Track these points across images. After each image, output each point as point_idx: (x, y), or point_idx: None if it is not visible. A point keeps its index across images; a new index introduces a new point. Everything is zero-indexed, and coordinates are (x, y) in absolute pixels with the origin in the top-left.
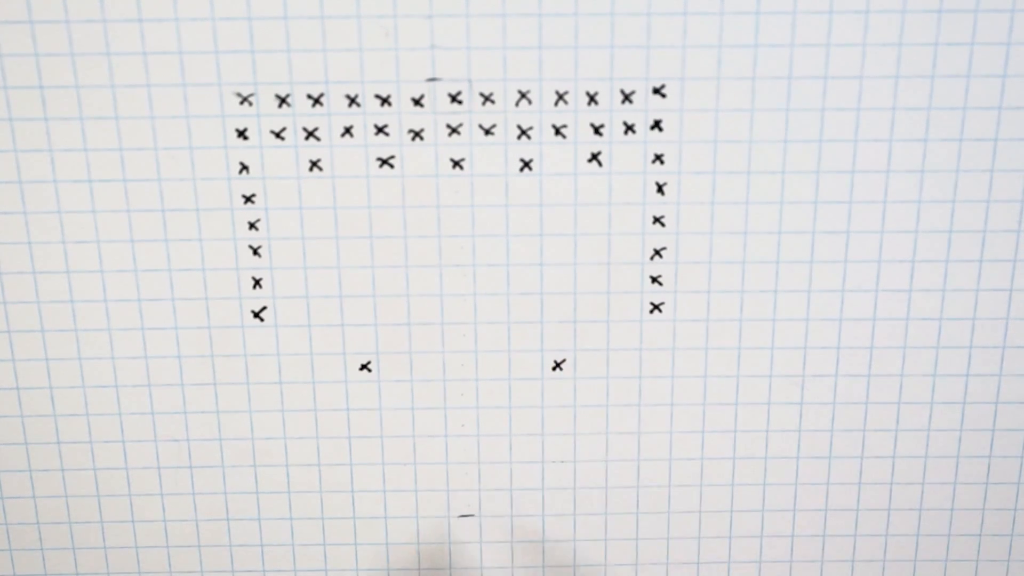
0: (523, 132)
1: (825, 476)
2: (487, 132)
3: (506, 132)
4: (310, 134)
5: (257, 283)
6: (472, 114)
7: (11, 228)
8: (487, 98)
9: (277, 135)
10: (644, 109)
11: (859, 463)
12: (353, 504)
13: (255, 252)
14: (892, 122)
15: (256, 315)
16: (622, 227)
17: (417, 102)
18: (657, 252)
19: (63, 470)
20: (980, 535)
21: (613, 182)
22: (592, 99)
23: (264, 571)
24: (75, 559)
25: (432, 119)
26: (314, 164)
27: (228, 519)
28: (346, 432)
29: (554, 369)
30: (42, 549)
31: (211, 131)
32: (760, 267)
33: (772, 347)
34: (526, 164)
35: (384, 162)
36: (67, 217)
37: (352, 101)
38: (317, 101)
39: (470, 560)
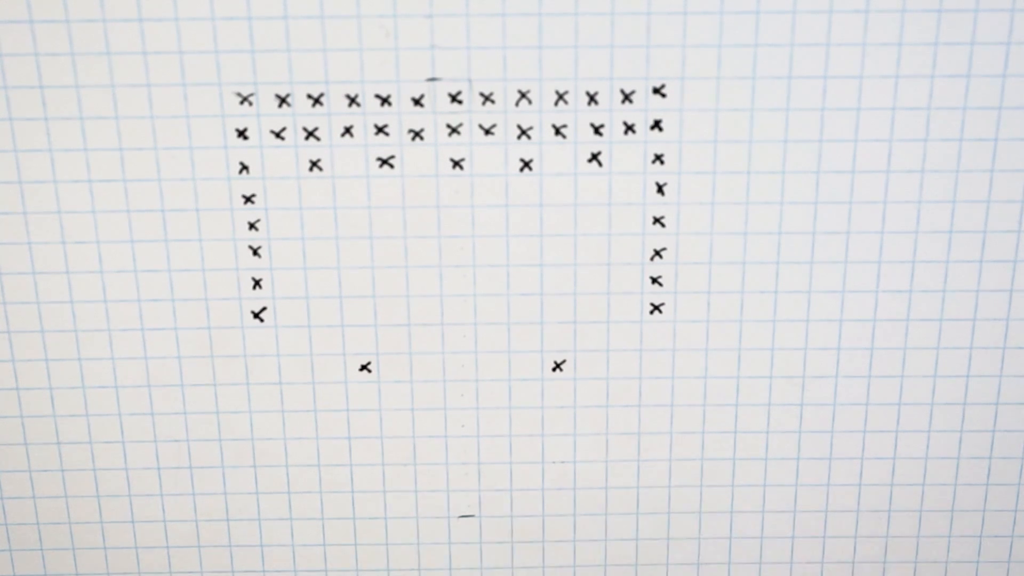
0: (523, 132)
1: (825, 477)
2: (487, 132)
3: (506, 132)
4: (310, 134)
5: (257, 284)
6: (472, 114)
7: (11, 228)
8: (487, 98)
9: (277, 135)
10: (644, 109)
11: (859, 464)
12: (353, 505)
13: (255, 252)
14: (892, 122)
15: (256, 316)
16: (622, 227)
17: (417, 102)
18: (657, 253)
19: (63, 470)
20: (981, 536)
21: (613, 182)
22: (592, 99)
23: (264, 571)
24: (75, 559)
25: (432, 119)
26: (314, 164)
27: (228, 519)
28: (346, 433)
29: (554, 370)
30: (42, 549)
31: (211, 131)
32: (760, 268)
33: (772, 348)
34: (526, 164)
35: (384, 162)
36: (67, 217)
37: (352, 101)
38: (317, 101)
39: (470, 560)
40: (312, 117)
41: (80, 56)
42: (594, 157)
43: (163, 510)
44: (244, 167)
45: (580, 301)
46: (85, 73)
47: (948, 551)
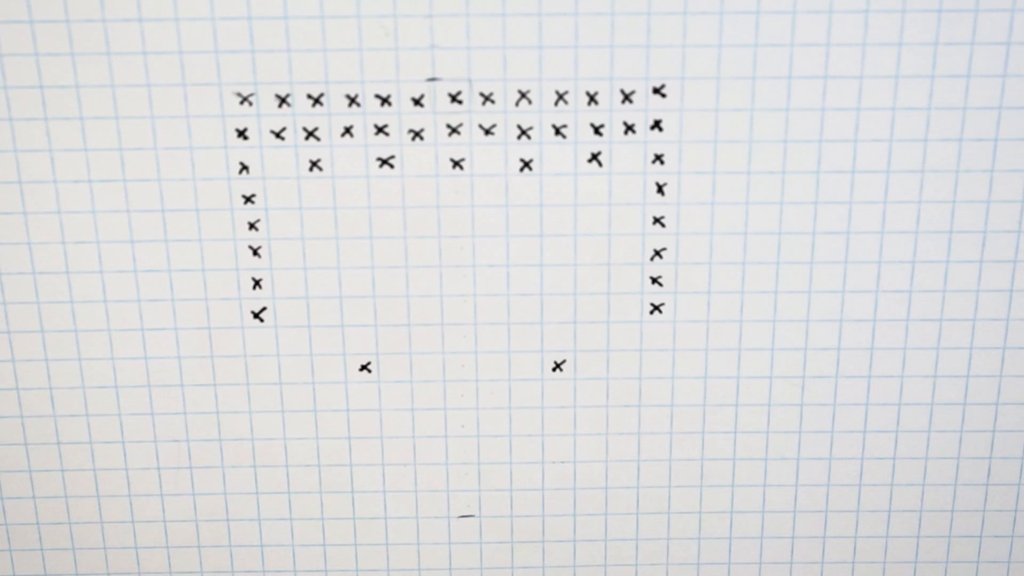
0: (523, 132)
1: (825, 477)
2: (487, 132)
3: (506, 132)
4: (310, 134)
5: (257, 284)
6: (472, 114)
7: (11, 228)
8: (487, 98)
9: (277, 135)
10: (644, 109)
11: (859, 464)
12: (353, 505)
13: (255, 253)
14: (892, 122)
15: (256, 316)
16: (622, 227)
17: (417, 102)
18: (657, 253)
19: (63, 470)
20: (981, 536)
21: (613, 182)
22: (592, 99)
23: (264, 571)
24: (75, 559)
25: (432, 119)
26: (314, 164)
27: (228, 520)
28: (346, 433)
29: (554, 370)
30: (42, 549)
31: (211, 131)
32: (760, 268)
33: (772, 348)
34: (526, 164)
35: (384, 162)
36: (67, 217)
37: (352, 101)
38: (317, 101)
39: (470, 560)
40: (312, 117)
41: (80, 56)
42: (594, 157)
43: (163, 510)
44: (244, 167)
45: (580, 301)
46: (85, 73)
47: (948, 551)
